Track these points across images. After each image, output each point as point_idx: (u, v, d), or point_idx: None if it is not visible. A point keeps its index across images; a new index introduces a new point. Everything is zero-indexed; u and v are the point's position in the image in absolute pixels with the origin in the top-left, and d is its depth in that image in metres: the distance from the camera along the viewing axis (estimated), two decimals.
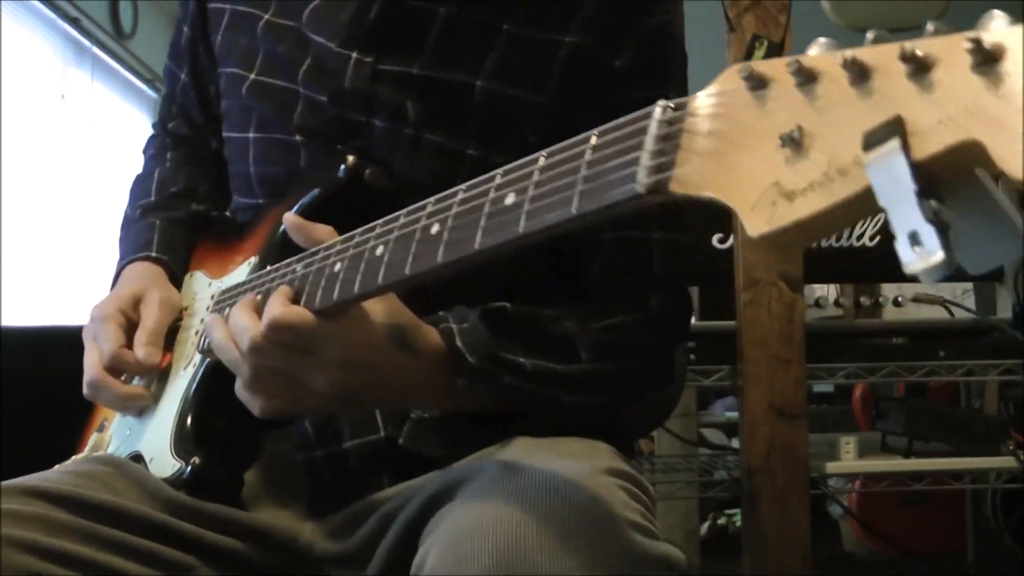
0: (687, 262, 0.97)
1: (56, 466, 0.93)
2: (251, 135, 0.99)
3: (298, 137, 0.95)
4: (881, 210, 0.42)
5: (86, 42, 3.71)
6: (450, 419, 0.87)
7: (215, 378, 0.89)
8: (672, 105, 0.51)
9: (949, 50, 0.41)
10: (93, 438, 1.04)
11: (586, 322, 0.88)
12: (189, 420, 0.90)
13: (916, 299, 2.18)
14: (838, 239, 2.02)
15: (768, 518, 1.84)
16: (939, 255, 0.40)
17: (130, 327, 0.96)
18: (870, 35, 0.45)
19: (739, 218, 0.46)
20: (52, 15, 3.46)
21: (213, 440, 0.89)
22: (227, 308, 0.85)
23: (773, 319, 1.86)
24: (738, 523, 2.88)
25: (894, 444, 2.14)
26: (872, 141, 0.42)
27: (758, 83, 0.47)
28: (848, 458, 2.02)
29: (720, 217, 1.91)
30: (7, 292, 2.86)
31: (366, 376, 0.75)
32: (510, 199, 0.59)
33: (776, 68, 0.47)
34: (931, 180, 0.41)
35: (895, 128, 0.41)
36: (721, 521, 3.16)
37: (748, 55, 1.86)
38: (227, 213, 1.06)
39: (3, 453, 1.14)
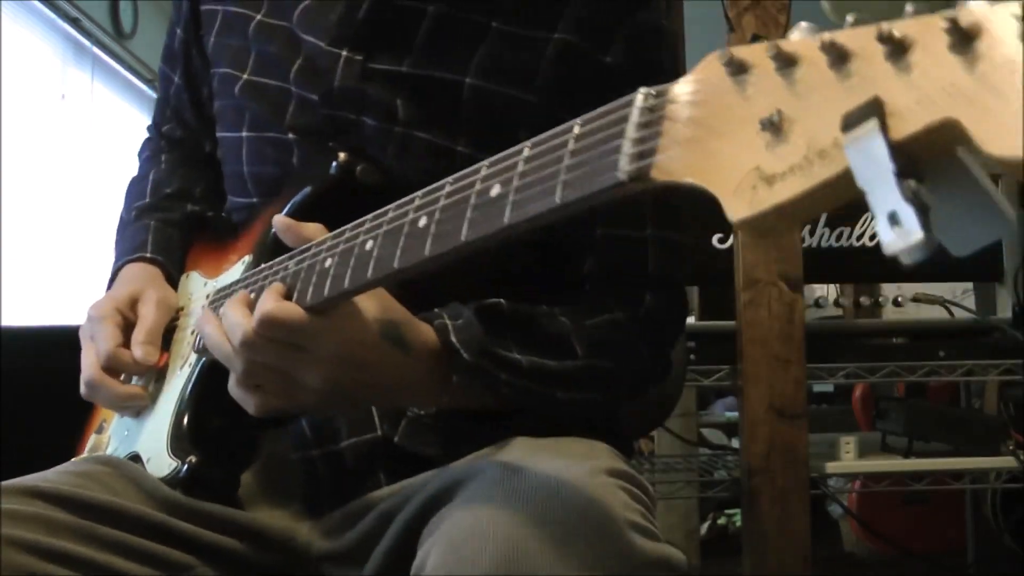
0: (685, 261, 0.97)
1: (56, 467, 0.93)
2: (244, 135, 0.99)
3: (291, 136, 0.95)
4: (860, 192, 0.42)
5: (86, 42, 3.69)
6: (446, 417, 0.87)
7: (211, 377, 0.89)
8: (654, 92, 0.51)
9: (926, 31, 0.41)
10: (92, 440, 1.04)
11: (581, 319, 0.88)
12: (185, 419, 0.90)
13: (916, 299, 2.17)
14: (838, 239, 2.02)
15: (768, 518, 1.84)
16: (918, 235, 0.40)
17: (127, 327, 0.96)
18: (850, 18, 0.45)
19: (720, 203, 0.46)
20: (52, 15, 3.44)
21: (209, 439, 0.89)
22: (221, 306, 0.85)
23: (773, 319, 1.86)
24: (738, 523, 2.87)
25: (894, 444, 2.13)
26: (851, 122, 0.42)
27: (738, 69, 0.47)
28: (848, 458, 2.02)
29: (720, 217, 1.88)
30: (7, 292, 2.85)
31: (359, 372, 0.75)
32: (495, 190, 0.59)
33: (756, 53, 0.47)
34: (911, 161, 0.41)
35: (873, 109, 0.41)
36: (721, 521, 3.16)
37: None
38: (222, 214, 1.06)
39: (3, 453, 1.14)
